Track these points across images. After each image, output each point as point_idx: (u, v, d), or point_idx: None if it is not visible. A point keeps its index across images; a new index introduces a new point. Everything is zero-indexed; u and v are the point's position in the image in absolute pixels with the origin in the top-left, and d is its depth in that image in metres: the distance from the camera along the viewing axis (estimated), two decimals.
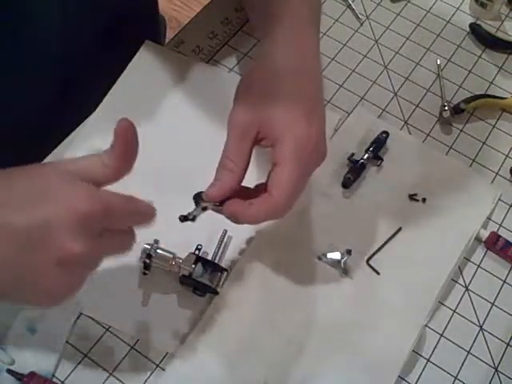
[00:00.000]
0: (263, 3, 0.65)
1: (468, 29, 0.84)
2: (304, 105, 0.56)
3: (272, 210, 0.55)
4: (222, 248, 0.64)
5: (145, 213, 0.50)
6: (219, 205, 0.56)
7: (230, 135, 0.56)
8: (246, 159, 0.55)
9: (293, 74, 0.57)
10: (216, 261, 0.63)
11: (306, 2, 0.62)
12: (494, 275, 0.67)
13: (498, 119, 0.77)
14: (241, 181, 0.56)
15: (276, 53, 0.59)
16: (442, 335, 0.63)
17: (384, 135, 0.72)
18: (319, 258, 0.65)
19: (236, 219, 0.55)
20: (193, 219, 0.57)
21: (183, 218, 0.57)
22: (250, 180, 0.58)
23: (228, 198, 0.56)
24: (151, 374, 0.59)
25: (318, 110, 0.58)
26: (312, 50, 0.60)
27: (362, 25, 0.83)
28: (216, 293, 0.62)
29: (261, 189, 0.56)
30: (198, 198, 0.56)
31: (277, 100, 0.56)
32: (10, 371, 0.57)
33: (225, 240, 0.65)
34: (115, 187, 0.49)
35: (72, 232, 0.44)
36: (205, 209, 0.57)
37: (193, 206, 0.57)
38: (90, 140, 0.70)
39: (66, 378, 0.58)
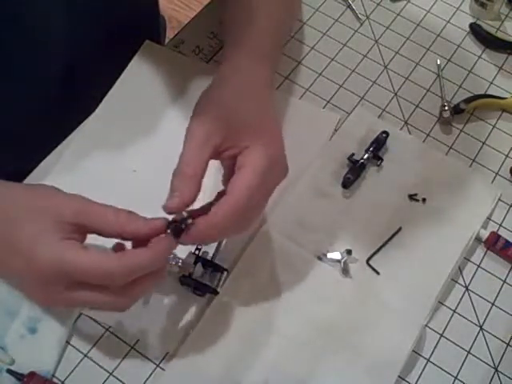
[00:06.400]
0: (229, 29, 0.68)
1: (468, 29, 0.84)
2: (267, 122, 0.60)
3: (230, 210, 0.52)
4: (221, 248, 0.64)
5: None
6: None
7: (188, 145, 0.55)
8: (204, 168, 0.54)
9: (250, 96, 0.60)
10: (216, 261, 0.63)
11: (268, 36, 0.66)
12: (494, 275, 0.67)
13: (498, 119, 0.77)
14: (198, 191, 0.54)
15: (231, 78, 0.61)
16: (442, 335, 0.63)
17: (384, 135, 0.72)
18: (319, 258, 0.65)
19: (201, 238, 0.54)
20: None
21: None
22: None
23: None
24: (151, 373, 0.59)
25: (279, 132, 0.60)
26: (262, 81, 0.63)
27: (362, 25, 0.83)
28: (216, 293, 0.62)
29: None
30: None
31: (242, 115, 0.58)
32: (10, 371, 0.57)
33: (225, 240, 0.65)
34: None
35: (38, 286, 0.51)
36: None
37: None
38: (90, 140, 0.70)
39: (66, 378, 0.58)
